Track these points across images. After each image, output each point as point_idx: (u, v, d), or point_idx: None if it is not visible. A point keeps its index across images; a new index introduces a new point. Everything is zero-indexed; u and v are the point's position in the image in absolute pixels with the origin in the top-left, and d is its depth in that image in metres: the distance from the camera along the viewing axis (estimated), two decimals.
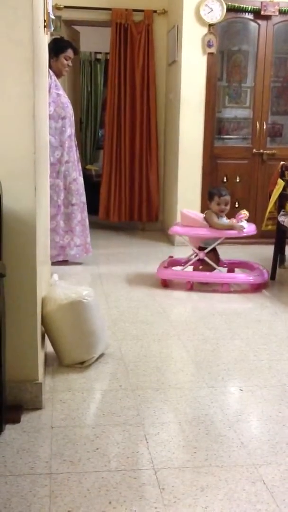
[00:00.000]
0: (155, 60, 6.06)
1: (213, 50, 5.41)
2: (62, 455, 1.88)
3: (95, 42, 7.58)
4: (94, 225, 5.87)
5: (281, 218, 4.31)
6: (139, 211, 6.25)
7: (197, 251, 4.16)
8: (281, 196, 4.33)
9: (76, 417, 2.15)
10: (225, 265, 4.38)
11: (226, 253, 4.49)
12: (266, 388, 2.45)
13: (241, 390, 2.45)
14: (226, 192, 4.12)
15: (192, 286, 4.04)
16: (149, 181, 6.21)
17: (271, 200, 4.47)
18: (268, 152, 5.73)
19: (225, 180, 5.71)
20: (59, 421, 2.11)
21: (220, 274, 4.13)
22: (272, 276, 4.38)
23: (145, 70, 6.01)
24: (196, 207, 5.50)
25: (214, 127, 5.71)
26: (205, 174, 5.64)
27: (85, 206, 4.79)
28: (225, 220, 4.10)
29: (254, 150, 5.74)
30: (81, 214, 4.73)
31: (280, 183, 4.28)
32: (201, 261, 4.16)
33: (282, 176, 4.31)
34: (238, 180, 5.73)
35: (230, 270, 4.38)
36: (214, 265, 4.12)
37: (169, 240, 5.76)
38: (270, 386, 2.48)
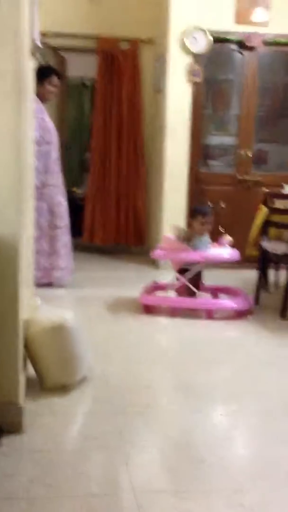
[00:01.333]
0: (141, 87, 6.15)
1: (198, 79, 5.51)
2: (42, 479, 1.87)
3: (82, 67, 7.68)
4: (78, 248, 5.89)
5: (264, 244, 4.36)
6: (126, 234, 6.28)
7: (178, 275, 4.12)
8: (264, 223, 4.39)
9: (57, 441, 2.14)
10: (208, 291, 4.30)
11: (210, 277, 4.47)
12: (249, 413, 2.47)
13: (224, 415, 2.46)
14: (209, 211, 4.12)
15: (175, 312, 4.00)
16: (135, 205, 6.24)
17: (254, 226, 4.53)
18: (253, 179, 5.81)
19: (210, 206, 5.76)
20: (40, 445, 2.10)
21: (203, 300, 4.07)
22: (256, 301, 4.41)
23: (131, 96, 6.09)
24: None
25: (200, 154, 5.79)
26: (190, 199, 5.70)
27: (69, 229, 4.82)
28: (207, 240, 4.07)
29: (239, 177, 5.83)
30: (65, 237, 4.76)
31: (264, 209, 4.34)
32: (183, 286, 4.10)
33: (265, 202, 4.38)
34: (223, 206, 5.80)
35: (214, 296, 4.30)
36: (194, 290, 4.05)
37: (154, 263, 5.79)
38: (253, 411, 2.49)
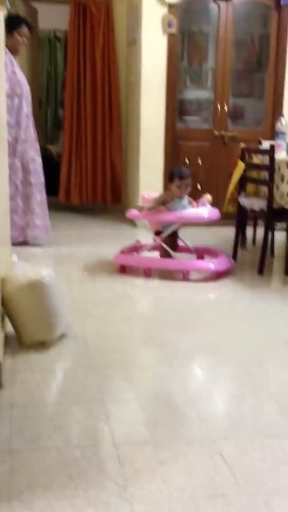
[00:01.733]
0: (115, 40, 6.00)
1: (173, 30, 5.39)
2: (22, 433, 1.88)
3: (55, 19, 7.44)
4: (55, 207, 5.83)
5: (242, 200, 4.35)
6: (102, 192, 6.22)
7: (154, 236, 4.06)
8: (241, 178, 4.37)
9: (36, 396, 2.15)
10: (190, 251, 4.20)
11: (188, 235, 4.43)
12: (226, 366, 2.50)
13: (201, 368, 2.49)
14: (188, 173, 3.95)
15: (150, 273, 3.91)
16: (112, 162, 6.17)
17: (231, 182, 4.51)
18: (229, 134, 5.77)
19: (187, 162, 5.72)
20: (19, 400, 2.11)
21: (179, 261, 3.96)
22: (234, 257, 4.43)
23: (105, 50, 5.95)
24: (158, 189, 5.50)
25: (176, 109, 5.71)
26: (166, 156, 5.64)
27: (44, 186, 4.73)
28: (186, 203, 3.97)
29: (216, 132, 5.77)
30: (40, 195, 4.68)
31: (241, 165, 4.31)
32: (161, 247, 4.05)
33: (242, 158, 4.35)
34: (200, 162, 5.76)
35: (200, 257, 4.17)
36: (170, 251, 3.97)
37: (132, 222, 5.76)
38: (230, 364, 2.52)
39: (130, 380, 2.32)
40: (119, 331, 2.88)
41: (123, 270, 3.97)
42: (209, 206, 4.00)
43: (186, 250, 4.21)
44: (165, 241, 4.01)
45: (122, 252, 4.11)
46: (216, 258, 4.10)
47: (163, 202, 3.93)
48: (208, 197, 4.04)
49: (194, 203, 4.00)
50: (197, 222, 4.25)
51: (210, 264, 3.96)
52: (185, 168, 4.07)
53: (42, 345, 2.60)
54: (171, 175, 3.97)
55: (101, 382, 2.28)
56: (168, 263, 3.98)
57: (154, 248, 4.14)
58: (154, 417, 2.02)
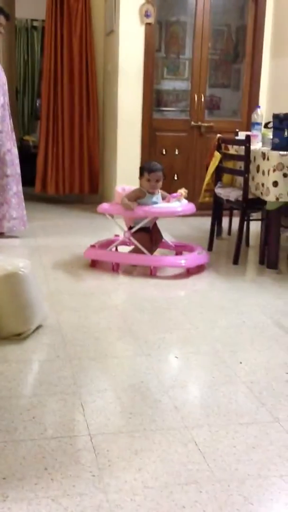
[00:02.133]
0: (92, 29, 5.96)
1: (151, 20, 5.38)
2: None
3: (32, 8, 7.37)
4: (31, 198, 5.80)
5: (217, 190, 4.38)
6: (79, 183, 6.20)
7: (126, 230, 3.90)
8: (217, 169, 4.40)
9: (12, 387, 2.16)
10: (171, 248, 4.10)
11: (164, 226, 4.42)
12: (200, 355, 2.53)
13: (176, 357, 2.51)
14: (158, 167, 3.77)
15: (117, 268, 3.79)
16: (89, 153, 6.15)
17: (208, 172, 4.54)
18: (206, 124, 5.79)
19: (164, 152, 5.74)
20: None
21: (148, 257, 3.80)
22: (210, 247, 4.47)
23: (82, 39, 5.91)
24: (135, 179, 5.50)
25: (153, 99, 5.71)
26: (144, 146, 5.65)
27: (20, 177, 4.71)
28: (159, 198, 3.81)
29: (192, 123, 5.79)
30: (16, 186, 4.65)
31: (217, 155, 4.35)
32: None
33: (219, 148, 4.38)
34: (177, 153, 5.77)
35: (178, 253, 4.08)
36: (140, 247, 3.79)
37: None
38: (204, 353, 2.55)
39: (105, 370, 2.34)
40: (95, 322, 2.90)
41: (94, 264, 3.88)
42: (184, 200, 3.86)
43: (165, 245, 4.11)
44: (138, 236, 3.82)
45: (92, 246, 3.97)
46: (190, 254, 3.95)
47: (136, 198, 3.78)
48: (182, 191, 3.87)
49: (169, 197, 3.85)
50: (170, 216, 4.15)
51: (181, 261, 3.82)
52: (155, 162, 3.91)
53: (18, 336, 2.60)
54: (140, 169, 3.86)
55: (77, 373, 2.30)
56: (135, 259, 3.85)
57: (124, 243, 3.96)
58: (129, 407, 2.05)
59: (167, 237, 4.15)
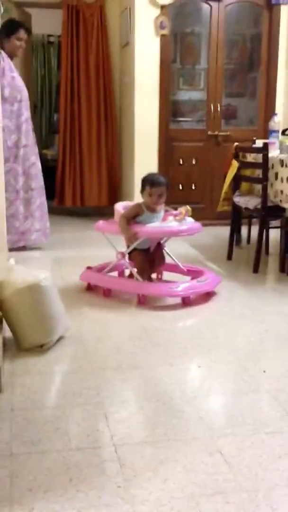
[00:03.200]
0: (108, 43, 6.02)
1: (166, 32, 5.42)
2: (22, 436, 1.89)
3: (48, 24, 7.47)
4: (51, 211, 5.83)
5: (236, 199, 4.37)
6: (99, 195, 6.22)
7: (118, 250, 3.53)
8: (235, 177, 4.39)
9: (35, 399, 2.16)
10: (184, 272, 3.67)
11: (182, 238, 4.12)
12: (223, 364, 2.51)
13: (199, 366, 2.50)
14: (161, 180, 3.36)
15: (109, 294, 3.46)
16: (108, 165, 6.18)
17: (226, 181, 4.54)
18: (222, 134, 5.79)
19: (181, 162, 5.75)
20: (18, 403, 2.12)
21: (135, 283, 3.45)
22: (229, 256, 4.45)
23: (99, 53, 5.97)
24: None
25: (169, 110, 5.73)
26: (161, 157, 5.67)
27: (44, 190, 4.77)
28: (159, 218, 3.41)
29: (209, 132, 5.79)
30: (40, 199, 4.71)
31: (234, 164, 4.34)
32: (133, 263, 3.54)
33: (236, 157, 4.37)
34: (194, 163, 5.78)
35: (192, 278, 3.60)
36: (133, 271, 3.46)
37: None
38: (227, 362, 2.54)
39: (128, 381, 2.33)
40: (116, 333, 2.89)
41: (90, 288, 3.59)
42: (189, 219, 3.43)
43: (176, 269, 3.68)
44: (134, 258, 3.48)
45: (89, 268, 3.68)
46: (195, 279, 3.51)
47: (134, 216, 3.39)
48: (183, 209, 3.38)
49: (166, 215, 3.39)
50: (171, 236, 3.55)
51: (174, 288, 3.34)
52: (159, 175, 3.58)
53: (40, 348, 2.61)
54: (142, 182, 3.41)
55: (99, 383, 2.29)
56: (124, 285, 3.52)
57: (120, 266, 3.68)
58: (153, 417, 2.04)
59: (179, 259, 3.73)
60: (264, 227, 4.13)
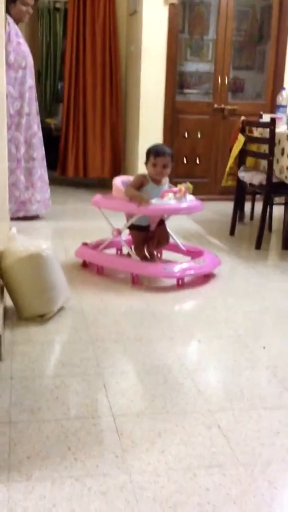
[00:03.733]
0: (116, 10, 5.90)
1: (174, 1, 5.30)
2: (21, 404, 1.90)
3: None
4: (53, 181, 5.79)
5: (241, 174, 4.33)
6: (102, 166, 6.18)
7: (114, 227, 3.39)
8: (241, 152, 4.34)
9: (35, 368, 2.16)
10: (184, 252, 3.57)
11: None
12: (223, 339, 2.51)
13: (199, 341, 2.50)
14: (165, 150, 3.22)
15: (102, 271, 3.36)
16: (112, 136, 6.12)
17: (231, 155, 4.49)
18: (229, 107, 5.71)
19: (186, 135, 5.69)
20: (18, 372, 2.12)
21: (127, 261, 3.36)
22: (232, 232, 4.43)
23: (105, 21, 5.86)
24: None
25: (176, 81, 5.65)
26: (166, 129, 5.60)
27: (44, 160, 4.72)
28: (162, 189, 3.25)
29: (216, 105, 5.72)
30: (41, 169, 4.67)
31: (241, 138, 4.29)
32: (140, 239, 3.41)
33: (242, 131, 4.32)
34: (199, 136, 5.72)
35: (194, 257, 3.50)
36: (128, 249, 3.40)
37: None
38: (227, 337, 2.54)
39: (128, 353, 2.33)
40: (117, 305, 2.89)
41: (85, 265, 3.50)
42: (190, 196, 3.28)
43: (176, 249, 3.60)
44: (134, 235, 3.39)
45: (85, 244, 3.56)
46: (183, 262, 3.39)
47: (139, 186, 3.26)
48: (182, 187, 3.22)
49: (164, 192, 3.21)
50: (169, 214, 3.41)
51: (166, 269, 3.23)
52: (163, 145, 3.43)
53: (41, 318, 2.61)
54: (147, 153, 3.27)
55: (99, 354, 2.30)
56: (116, 263, 3.41)
57: (117, 243, 3.56)
58: (152, 389, 2.04)
59: (178, 238, 3.66)
60: (268, 203, 4.10)
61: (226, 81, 5.69)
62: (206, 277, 3.35)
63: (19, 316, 2.64)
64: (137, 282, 3.21)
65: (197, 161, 5.71)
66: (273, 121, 3.87)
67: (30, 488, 1.51)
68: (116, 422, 1.82)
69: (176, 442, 1.73)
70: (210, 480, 1.56)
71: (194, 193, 3.34)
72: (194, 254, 3.51)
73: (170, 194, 3.18)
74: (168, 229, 3.48)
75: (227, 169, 4.59)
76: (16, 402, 1.91)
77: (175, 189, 3.23)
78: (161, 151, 3.20)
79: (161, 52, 5.41)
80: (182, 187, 3.19)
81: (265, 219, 4.05)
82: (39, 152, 4.64)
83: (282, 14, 5.63)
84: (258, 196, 4.70)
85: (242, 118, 4.41)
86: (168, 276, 3.21)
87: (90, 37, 5.88)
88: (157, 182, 3.27)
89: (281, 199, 4.36)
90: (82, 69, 5.95)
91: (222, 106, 5.71)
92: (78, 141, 6.09)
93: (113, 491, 1.50)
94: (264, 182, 3.97)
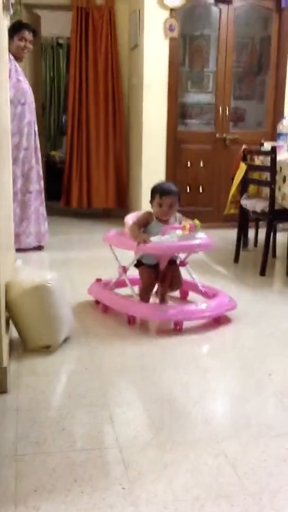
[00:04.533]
0: (117, 45, 6.03)
1: (175, 34, 5.42)
2: (27, 437, 1.90)
3: (57, 26, 7.50)
4: (58, 212, 5.86)
5: (243, 202, 4.37)
6: (106, 197, 6.23)
7: (119, 266, 3.21)
8: (243, 180, 4.38)
9: (41, 400, 2.16)
10: (201, 293, 3.30)
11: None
12: (229, 366, 2.51)
13: (204, 369, 2.49)
14: (172, 189, 3.01)
15: (105, 310, 3.20)
16: (116, 167, 6.19)
17: (233, 183, 4.53)
18: (231, 136, 5.78)
19: (189, 165, 5.75)
20: (24, 404, 2.12)
21: (125, 301, 3.14)
22: (236, 259, 4.44)
23: (107, 55, 5.98)
24: None
25: (177, 112, 5.73)
26: (169, 159, 5.67)
27: (42, 194, 4.76)
28: (160, 226, 3.02)
29: (217, 135, 5.79)
30: (36, 202, 4.72)
31: (242, 167, 4.33)
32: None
33: (244, 160, 4.37)
34: (202, 165, 5.78)
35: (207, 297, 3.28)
36: (130, 286, 3.16)
37: None
38: (233, 364, 2.53)
39: (134, 383, 2.33)
40: (125, 333, 2.89)
41: (98, 301, 3.31)
42: (201, 234, 3.01)
43: (194, 289, 3.34)
44: (141, 274, 3.16)
45: (98, 280, 3.43)
46: (184, 304, 3.25)
47: (143, 224, 3.09)
48: (187, 223, 2.95)
49: (165, 228, 2.95)
50: (176, 253, 3.19)
51: (162, 310, 2.98)
52: (170, 183, 3.16)
53: (46, 349, 2.62)
54: (152, 191, 3.08)
55: (105, 385, 2.29)
56: (114, 303, 3.17)
57: (123, 281, 3.26)
58: (158, 419, 2.03)
59: (200, 278, 3.40)
60: (271, 230, 4.12)
61: (227, 111, 5.77)
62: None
63: (24, 347, 2.64)
64: (133, 322, 3.02)
65: (200, 190, 5.76)
66: (274, 149, 3.91)
67: None
68: (123, 453, 1.82)
69: (183, 472, 1.72)
70: (218, 510, 1.55)
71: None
72: (208, 296, 3.26)
73: (178, 231, 2.94)
74: (188, 268, 3.27)
75: (230, 197, 4.63)
76: (22, 435, 1.91)
77: (178, 225, 3.00)
78: (167, 190, 2.99)
79: (163, 85, 5.50)
80: (187, 224, 2.94)
81: (269, 246, 4.07)
82: (36, 185, 4.70)
83: (280, 45, 5.73)
84: (261, 222, 4.73)
85: (244, 146, 4.46)
86: (164, 319, 2.99)
87: (92, 71, 6.00)
88: (164, 222, 3.06)
89: (285, 226, 4.38)
90: (85, 102, 6.06)
91: (224, 135, 5.78)
92: (81, 172, 6.16)
93: None
94: (266, 210, 4.00)
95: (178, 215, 3.14)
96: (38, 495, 1.60)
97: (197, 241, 2.98)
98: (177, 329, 2.93)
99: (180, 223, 3.04)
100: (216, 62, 5.73)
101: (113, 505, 1.56)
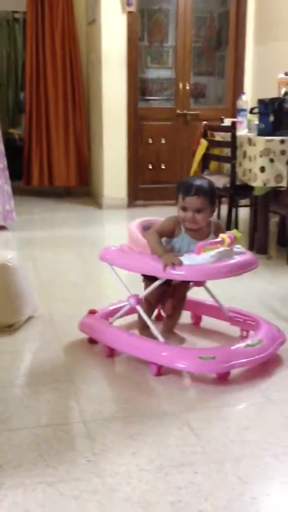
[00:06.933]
0: (74, 20, 5.92)
1: (132, 8, 5.35)
2: None
3: (12, 0, 7.30)
4: (18, 191, 5.77)
5: (205, 177, 4.38)
6: (67, 175, 6.15)
7: (129, 295, 2.32)
8: (204, 156, 4.40)
9: (5, 377, 2.16)
10: (228, 319, 2.54)
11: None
12: (188, 341, 2.53)
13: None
14: (200, 188, 2.17)
15: (111, 354, 2.32)
16: (77, 144, 6.11)
17: (194, 160, 4.55)
18: (191, 112, 5.78)
19: (150, 141, 5.72)
20: None
21: (149, 344, 2.26)
22: None
23: (64, 30, 5.87)
24: (122, 171, 5.50)
25: (138, 88, 5.69)
26: (130, 136, 5.63)
27: (6, 171, 4.67)
28: (190, 240, 2.23)
29: (178, 111, 5.78)
30: (0, 180, 4.62)
31: (203, 143, 4.35)
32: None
33: (205, 136, 4.38)
34: (163, 142, 5.76)
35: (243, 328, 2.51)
36: (148, 322, 2.28)
37: (97, 203, 5.76)
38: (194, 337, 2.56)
39: (98, 358, 2.34)
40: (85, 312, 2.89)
41: (92, 341, 2.46)
42: (240, 248, 2.31)
43: (217, 314, 2.59)
44: (149, 299, 2.37)
45: (91, 312, 2.53)
46: (243, 330, 2.49)
47: (166, 235, 2.26)
48: (225, 236, 2.20)
49: (200, 246, 2.15)
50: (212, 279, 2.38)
51: (204, 358, 2.10)
52: (202, 180, 2.29)
53: (9, 328, 2.60)
54: (176, 190, 2.27)
55: (69, 362, 2.30)
56: (131, 346, 2.29)
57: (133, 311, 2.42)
58: (123, 394, 2.05)
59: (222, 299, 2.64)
60: (233, 206, 4.16)
61: (188, 87, 5.75)
62: None
63: None
64: (160, 374, 2.16)
65: (162, 167, 5.75)
66: (233, 124, 3.94)
67: (2, 496, 1.50)
68: (88, 427, 1.83)
69: (148, 443, 1.75)
70: (182, 478, 1.58)
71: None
72: (245, 324, 2.49)
73: (213, 251, 2.14)
74: (208, 288, 2.55)
75: (191, 173, 4.64)
76: None
77: (214, 240, 2.20)
78: (193, 190, 2.17)
79: (122, 60, 5.44)
80: (225, 236, 2.18)
81: (231, 221, 4.10)
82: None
83: (239, 20, 5.72)
84: (223, 198, 4.76)
85: (204, 122, 4.47)
86: (207, 371, 2.14)
87: (49, 47, 5.89)
88: (194, 233, 2.25)
89: (246, 201, 4.42)
90: (43, 79, 5.95)
91: (185, 111, 5.77)
92: (42, 150, 6.07)
93: (86, 495, 1.51)
94: (228, 185, 4.03)
95: (213, 221, 2.33)
96: (3, 471, 1.60)
97: (245, 257, 2.28)
98: (221, 378, 2.12)
99: (216, 235, 2.25)
100: (175, 37, 5.69)
101: (79, 478, 1.58)
